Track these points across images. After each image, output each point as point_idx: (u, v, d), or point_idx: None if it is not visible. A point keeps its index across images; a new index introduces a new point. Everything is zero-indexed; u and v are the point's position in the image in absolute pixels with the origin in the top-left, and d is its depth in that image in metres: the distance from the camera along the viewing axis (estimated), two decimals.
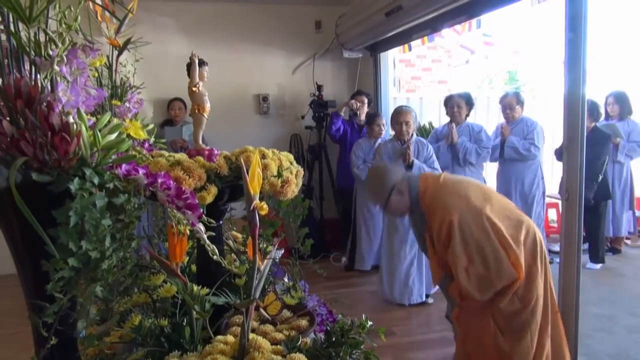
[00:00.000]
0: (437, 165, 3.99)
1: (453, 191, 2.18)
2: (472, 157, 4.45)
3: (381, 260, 4.34)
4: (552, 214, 6.15)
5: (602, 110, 5.29)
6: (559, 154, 4.63)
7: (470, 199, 2.13)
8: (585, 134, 2.84)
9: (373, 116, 4.86)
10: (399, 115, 3.99)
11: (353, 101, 5.27)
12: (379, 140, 4.74)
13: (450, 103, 4.68)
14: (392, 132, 4.32)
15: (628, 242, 5.65)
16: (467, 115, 4.65)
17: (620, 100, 5.13)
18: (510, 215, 2.17)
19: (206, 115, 1.52)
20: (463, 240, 2.05)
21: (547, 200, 5.23)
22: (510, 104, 4.65)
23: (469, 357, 2.23)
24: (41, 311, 0.84)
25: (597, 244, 4.84)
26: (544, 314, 2.18)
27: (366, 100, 5.27)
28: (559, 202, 4.89)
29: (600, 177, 4.67)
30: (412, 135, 4.02)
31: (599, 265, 4.81)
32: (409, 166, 3.88)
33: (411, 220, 2.49)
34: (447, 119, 4.73)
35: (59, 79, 0.92)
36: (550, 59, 8.96)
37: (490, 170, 6.24)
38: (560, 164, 4.87)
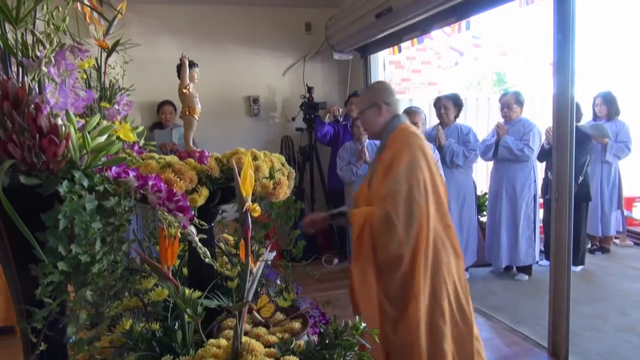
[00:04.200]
0: (441, 171, 3.98)
1: (424, 147, 2.21)
2: (459, 159, 4.47)
3: None
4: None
5: (588, 110, 5.35)
6: (541, 155, 4.66)
7: (430, 163, 2.17)
8: (574, 135, 2.87)
9: (354, 119, 4.89)
10: (408, 116, 3.98)
11: (335, 107, 5.33)
12: (365, 143, 4.75)
13: (437, 105, 4.72)
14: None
15: (617, 241, 5.70)
16: (457, 116, 4.67)
17: (608, 101, 5.19)
18: (443, 215, 2.20)
19: (197, 117, 1.51)
20: (399, 178, 2.08)
21: None
22: (508, 103, 4.65)
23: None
24: (30, 316, 0.83)
25: (578, 246, 4.81)
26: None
27: None
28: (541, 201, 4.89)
29: (581, 179, 4.69)
30: None
31: (579, 268, 4.77)
32: None
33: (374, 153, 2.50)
34: (437, 121, 4.76)
35: (47, 80, 0.91)
36: (538, 60, 9.05)
37: (481, 173, 6.28)
38: (541, 166, 4.90)
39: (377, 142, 4.69)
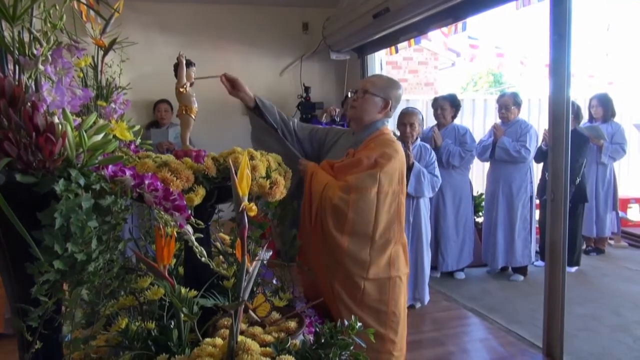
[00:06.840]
0: (437, 172, 3.94)
1: (404, 160, 2.12)
2: (455, 159, 4.48)
3: None
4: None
5: (586, 112, 5.37)
6: (539, 156, 4.68)
7: (403, 179, 2.09)
8: (570, 136, 2.88)
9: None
10: (405, 116, 3.96)
11: (332, 108, 5.34)
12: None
13: (435, 105, 4.73)
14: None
15: (611, 242, 5.73)
16: (454, 117, 4.68)
17: (604, 103, 5.20)
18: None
19: (194, 117, 1.51)
20: (375, 177, 1.98)
21: None
22: (506, 104, 4.65)
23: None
24: (25, 315, 0.83)
25: (574, 247, 4.80)
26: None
27: None
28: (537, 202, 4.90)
29: (578, 180, 4.71)
30: (416, 138, 3.98)
31: (574, 268, 4.79)
32: (409, 168, 3.85)
33: (343, 137, 2.33)
34: (434, 121, 4.77)
35: (43, 78, 0.91)
36: (534, 61, 9.06)
37: (478, 173, 6.30)
38: (537, 167, 4.90)
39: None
